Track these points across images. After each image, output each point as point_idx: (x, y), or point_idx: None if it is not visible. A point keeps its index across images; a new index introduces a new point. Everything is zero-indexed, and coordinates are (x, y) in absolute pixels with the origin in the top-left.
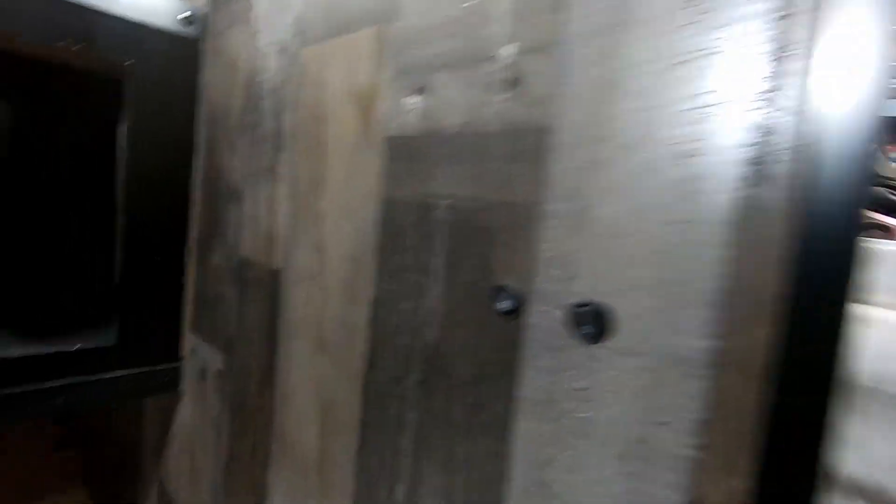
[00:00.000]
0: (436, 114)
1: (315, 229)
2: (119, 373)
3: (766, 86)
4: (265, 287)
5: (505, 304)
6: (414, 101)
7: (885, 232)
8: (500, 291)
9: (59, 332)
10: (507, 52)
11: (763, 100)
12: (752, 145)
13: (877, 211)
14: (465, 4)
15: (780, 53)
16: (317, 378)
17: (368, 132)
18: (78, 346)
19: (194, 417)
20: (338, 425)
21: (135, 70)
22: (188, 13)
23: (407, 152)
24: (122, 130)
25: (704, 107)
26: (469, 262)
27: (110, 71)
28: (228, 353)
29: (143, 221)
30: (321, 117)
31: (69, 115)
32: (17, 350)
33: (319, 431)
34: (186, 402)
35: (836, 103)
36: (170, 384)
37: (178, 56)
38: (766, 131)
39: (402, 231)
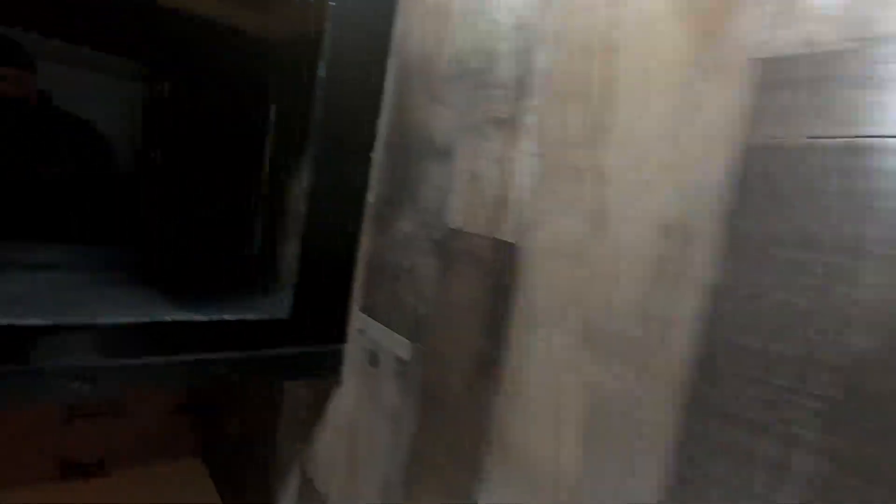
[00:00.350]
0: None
1: (587, 191)
2: (288, 350)
3: None
4: (487, 262)
5: None
6: (825, 3)
7: None
8: None
9: (230, 301)
10: None
11: None
12: None
13: None
14: None
15: None
16: (577, 379)
17: (709, 57)
18: (252, 315)
19: (359, 405)
20: (619, 444)
21: (334, 14)
22: None
23: (807, 77)
24: (318, 81)
25: None
26: None
27: (313, 15)
28: (416, 338)
29: (325, 184)
30: (607, 48)
31: (240, 76)
32: (189, 316)
33: (580, 448)
34: (349, 388)
35: None
36: (332, 367)
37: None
38: None
39: (782, 190)
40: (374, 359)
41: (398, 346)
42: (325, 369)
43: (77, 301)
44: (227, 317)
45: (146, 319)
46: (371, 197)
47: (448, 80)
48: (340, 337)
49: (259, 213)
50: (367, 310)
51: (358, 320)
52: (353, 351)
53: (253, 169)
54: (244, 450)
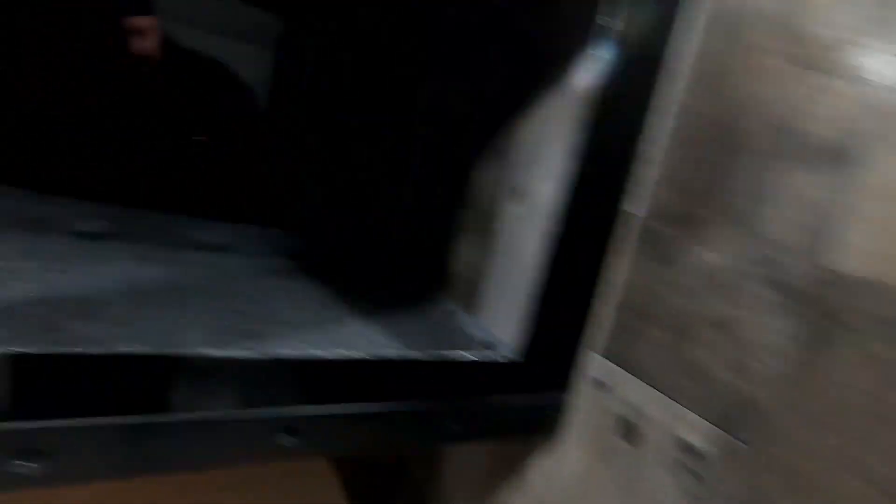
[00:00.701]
0: None
1: None
2: (511, 398)
3: None
4: None
5: None
6: None
7: None
8: None
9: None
10: None
11: None
12: None
13: None
14: None
15: None
16: None
17: None
18: (474, 355)
19: (589, 486)
20: None
21: None
22: None
23: None
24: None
25: None
26: None
27: None
28: (734, 429)
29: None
30: None
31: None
32: (394, 351)
33: None
34: (569, 456)
35: None
36: (548, 423)
37: None
38: None
39: None
40: (628, 430)
41: (688, 427)
42: (540, 425)
43: (255, 303)
44: (450, 356)
45: (361, 356)
46: (637, 208)
47: (849, 39)
48: (563, 384)
49: (452, 210)
50: (619, 359)
51: (596, 368)
52: (583, 407)
53: (445, 150)
54: (396, 478)
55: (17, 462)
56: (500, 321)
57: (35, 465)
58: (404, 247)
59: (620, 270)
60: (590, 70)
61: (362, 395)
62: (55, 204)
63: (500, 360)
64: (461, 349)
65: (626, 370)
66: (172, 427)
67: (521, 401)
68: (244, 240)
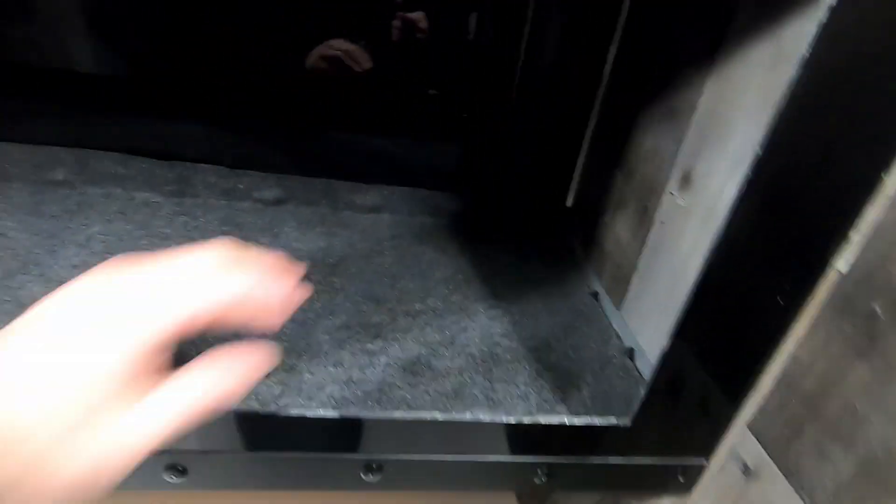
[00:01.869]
0: None
1: None
2: (633, 460)
3: None
4: None
5: None
6: None
7: None
8: None
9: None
10: None
11: None
12: None
13: None
14: None
15: None
16: None
17: None
18: (599, 421)
19: None
20: None
21: None
22: None
23: None
24: None
25: None
26: None
27: None
28: None
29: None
30: None
31: None
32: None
33: None
34: None
35: None
36: (683, 483)
37: None
38: None
39: None
40: None
41: None
42: (662, 487)
43: (390, 280)
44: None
45: (479, 420)
46: (846, 262)
47: None
48: (704, 448)
49: (611, 181)
50: (772, 449)
51: (745, 447)
52: (718, 487)
53: (619, 112)
54: None
55: (165, 474)
56: (645, 326)
57: (176, 479)
58: (554, 210)
59: (799, 336)
60: (813, 23)
61: (461, 447)
62: (242, 176)
63: (625, 424)
64: (598, 357)
65: (779, 467)
66: (281, 460)
67: (646, 461)
68: (395, 201)
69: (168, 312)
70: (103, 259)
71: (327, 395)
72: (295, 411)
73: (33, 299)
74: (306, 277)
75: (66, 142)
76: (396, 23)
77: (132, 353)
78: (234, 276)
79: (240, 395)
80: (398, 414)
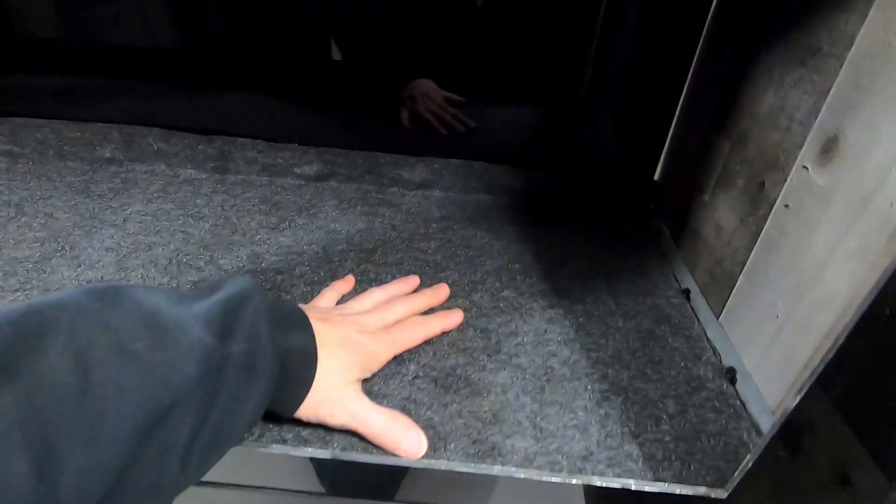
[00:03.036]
0: None
1: None
2: None
3: None
4: None
5: None
6: None
7: None
8: None
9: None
10: None
11: None
12: None
13: None
14: None
15: None
16: None
17: None
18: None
19: None
20: None
21: None
22: None
23: None
24: None
25: None
26: None
27: None
28: None
29: None
30: None
31: None
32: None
33: None
34: None
35: None
36: None
37: None
38: None
39: None
40: None
41: None
42: None
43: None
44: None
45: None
46: None
47: None
48: None
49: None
50: None
51: None
52: None
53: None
54: None
55: None
56: (753, 342)
57: None
58: (636, 186)
59: None
60: None
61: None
62: (284, 151)
63: (720, 497)
64: (686, 379)
65: None
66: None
67: None
68: (446, 176)
69: (412, 337)
70: (136, 240)
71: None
72: (277, 448)
73: (61, 284)
74: (339, 264)
75: (115, 118)
76: None
77: (387, 357)
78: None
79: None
80: (409, 461)
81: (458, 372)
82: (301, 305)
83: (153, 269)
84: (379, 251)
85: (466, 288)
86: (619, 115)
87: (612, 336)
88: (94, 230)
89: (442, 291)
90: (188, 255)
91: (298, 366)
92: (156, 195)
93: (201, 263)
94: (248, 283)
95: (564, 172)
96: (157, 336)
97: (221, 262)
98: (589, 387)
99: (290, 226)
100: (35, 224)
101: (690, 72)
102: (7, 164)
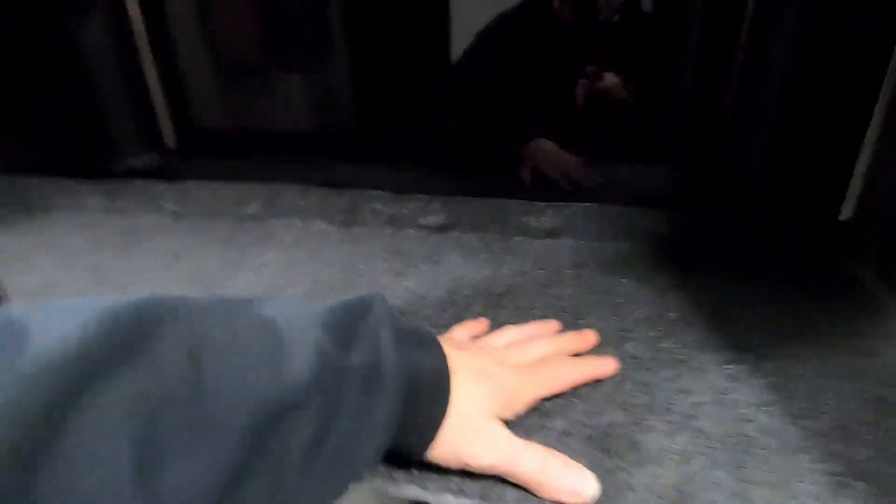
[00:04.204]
0: None
1: None
2: None
3: None
4: None
5: None
6: None
7: None
8: None
9: None
10: None
11: None
12: None
13: None
14: None
15: None
16: None
17: None
18: None
19: None
20: None
21: None
22: None
23: None
24: None
25: None
26: None
27: None
28: None
29: None
30: None
31: None
32: None
33: None
34: None
35: None
36: None
37: None
38: None
39: None
40: None
41: None
42: None
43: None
44: None
45: None
46: None
47: None
48: None
49: None
50: None
51: None
52: None
53: None
54: None
55: None
56: None
57: None
58: (819, 226)
59: None
60: None
61: None
62: (409, 201)
63: None
64: None
65: None
66: None
67: None
68: (578, 223)
69: (560, 379)
70: (271, 284)
71: (455, 484)
72: (412, 490)
73: None
74: (466, 308)
75: (260, 178)
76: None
77: (532, 397)
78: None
79: None
80: None
81: (619, 431)
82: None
83: None
84: (508, 296)
85: (615, 337)
86: (781, 141)
87: (825, 402)
88: (234, 275)
89: (588, 336)
90: (317, 296)
91: (430, 387)
92: (290, 246)
93: None
94: (373, 294)
95: (714, 211)
96: (274, 335)
97: None
98: (812, 466)
99: (414, 272)
100: (187, 269)
101: (886, 78)
102: (172, 221)
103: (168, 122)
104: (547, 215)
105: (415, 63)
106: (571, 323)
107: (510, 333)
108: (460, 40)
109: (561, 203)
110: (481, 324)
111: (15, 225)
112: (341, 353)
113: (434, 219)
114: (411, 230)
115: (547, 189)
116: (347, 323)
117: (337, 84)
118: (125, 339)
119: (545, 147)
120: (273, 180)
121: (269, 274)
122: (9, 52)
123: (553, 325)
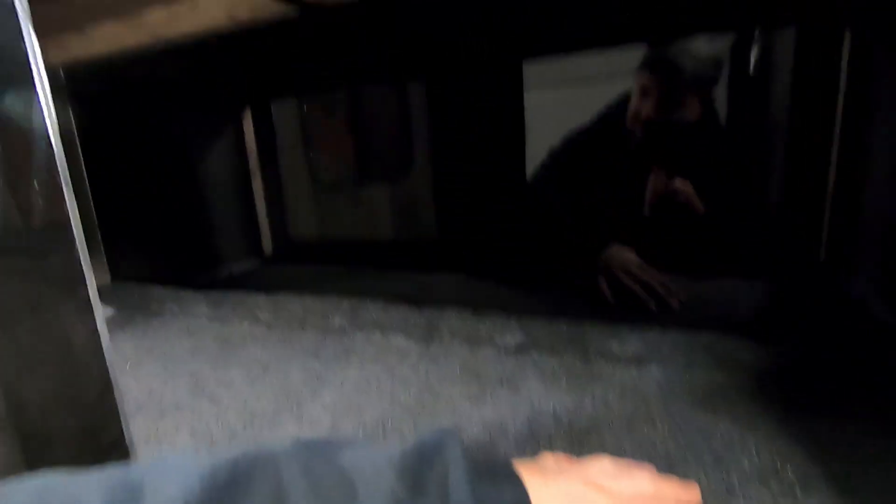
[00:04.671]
0: None
1: None
2: None
3: None
4: None
5: None
6: None
7: None
8: None
9: None
10: None
11: None
12: None
13: None
14: None
15: None
16: None
17: None
18: None
19: None
20: None
21: None
22: None
23: None
24: None
25: None
26: None
27: None
28: None
29: None
30: None
31: None
32: None
33: None
34: None
35: None
36: None
37: None
38: None
39: None
40: None
41: None
42: None
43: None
44: None
45: None
46: None
47: None
48: None
49: None
50: None
51: None
52: None
53: None
54: None
55: None
56: None
57: None
58: None
59: None
60: None
61: None
62: (486, 320)
63: None
64: None
65: None
66: None
67: None
68: (662, 350)
69: None
70: (350, 403)
71: None
72: None
73: (285, 438)
74: (547, 446)
75: (344, 292)
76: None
77: None
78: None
79: None
80: None
81: None
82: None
83: (361, 431)
84: (593, 433)
85: (721, 495)
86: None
87: None
88: (317, 390)
89: (693, 490)
90: (394, 419)
91: None
92: (370, 361)
93: (405, 430)
94: (446, 431)
95: (821, 340)
96: (350, 486)
97: (424, 430)
98: None
99: (491, 397)
100: (275, 382)
101: None
102: (265, 332)
103: (267, 233)
104: (630, 340)
105: (491, 179)
106: (665, 470)
107: (603, 463)
108: (535, 156)
109: (645, 327)
110: (567, 457)
111: (134, 328)
112: (415, 499)
113: (511, 338)
114: (488, 349)
115: (627, 303)
116: (420, 467)
117: (419, 197)
118: (221, 498)
119: (621, 255)
120: (358, 288)
121: (349, 392)
122: (135, 174)
123: (651, 466)
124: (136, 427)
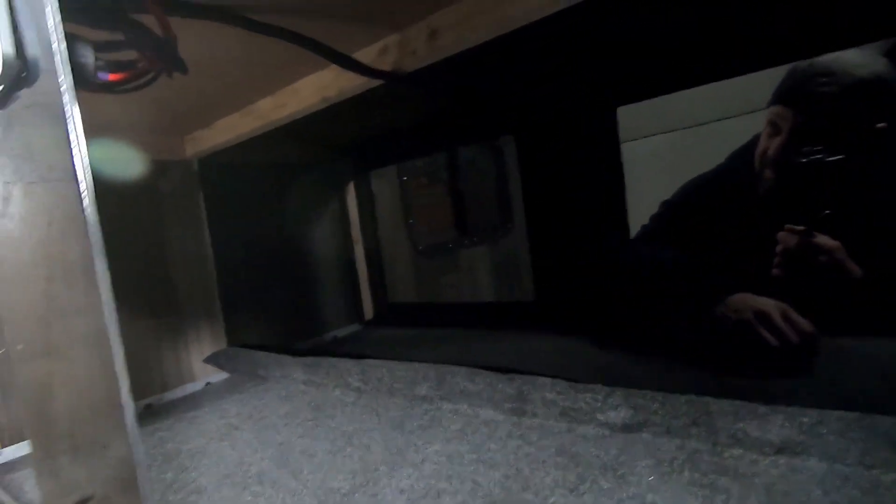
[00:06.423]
0: None
1: None
2: None
3: None
4: None
5: None
6: None
7: None
8: None
9: None
10: None
11: None
12: None
13: None
14: None
15: None
16: None
17: None
18: None
19: None
20: None
21: None
22: None
23: None
24: None
25: None
26: None
27: None
28: None
29: None
30: None
31: None
32: None
33: None
34: None
35: None
36: None
37: None
38: None
39: None
40: None
41: None
42: None
43: None
44: None
45: None
46: None
47: None
48: None
49: None
50: None
51: None
52: None
53: None
54: None
55: None
56: None
57: None
58: None
59: None
60: None
61: None
62: (586, 392)
63: None
64: None
65: None
66: None
67: None
68: (822, 436)
69: None
70: (428, 484)
71: None
72: None
73: None
74: None
75: (437, 358)
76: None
77: None
78: None
79: None
80: None
81: None
82: None
83: None
84: None
85: None
86: None
87: None
88: (396, 467)
89: None
90: None
91: None
92: (455, 436)
93: None
94: None
95: None
96: None
97: None
98: None
99: (591, 488)
100: (355, 455)
101: None
102: (354, 398)
103: (368, 298)
104: (774, 420)
105: (590, 236)
106: None
107: None
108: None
109: (797, 407)
110: None
111: (242, 392)
112: None
113: (615, 415)
114: (589, 427)
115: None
116: None
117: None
118: None
119: (746, 298)
120: (450, 352)
121: (429, 472)
122: (251, 248)
123: None
124: (219, 500)
